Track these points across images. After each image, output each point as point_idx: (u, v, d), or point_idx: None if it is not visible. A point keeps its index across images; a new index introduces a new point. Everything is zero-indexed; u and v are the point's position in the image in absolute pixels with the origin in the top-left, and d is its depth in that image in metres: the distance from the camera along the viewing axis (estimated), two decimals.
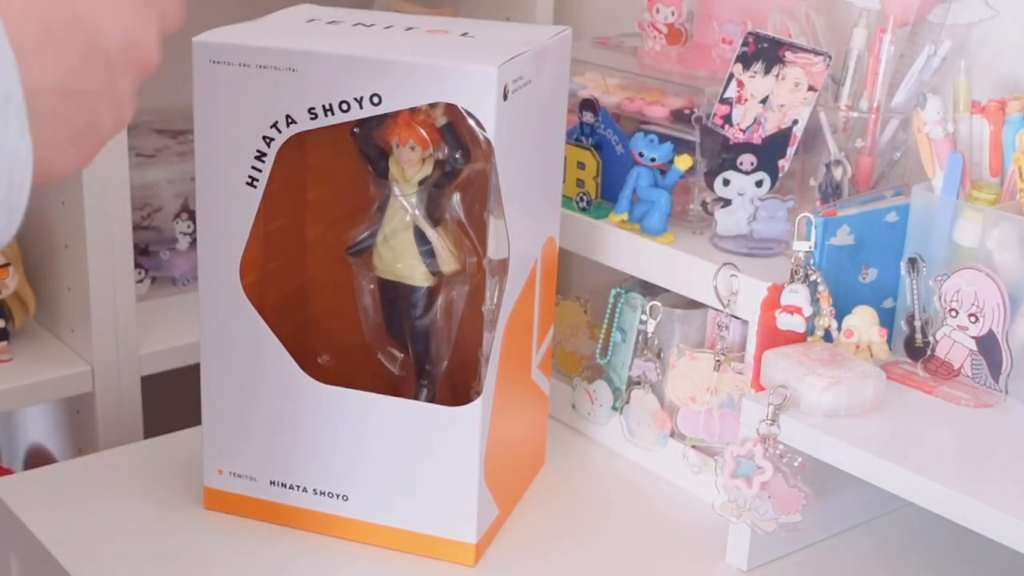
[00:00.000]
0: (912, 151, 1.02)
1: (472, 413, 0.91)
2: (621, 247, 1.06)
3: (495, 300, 0.94)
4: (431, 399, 1.00)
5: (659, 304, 1.05)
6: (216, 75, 0.89)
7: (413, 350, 1.01)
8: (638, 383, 1.08)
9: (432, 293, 0.98)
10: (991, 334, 0.90)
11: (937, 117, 0.95)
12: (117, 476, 1.05)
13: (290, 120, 0.88)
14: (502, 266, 0.93)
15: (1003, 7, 1.02)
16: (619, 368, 1.10)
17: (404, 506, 0.95)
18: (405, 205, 0.95)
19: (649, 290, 1.07)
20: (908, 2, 1.01)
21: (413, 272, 0.97)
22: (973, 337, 0.92)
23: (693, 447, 1.05)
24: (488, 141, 0.87)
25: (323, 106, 0.87)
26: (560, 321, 1.18)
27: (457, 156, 0.93)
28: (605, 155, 1.09)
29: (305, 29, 0.94)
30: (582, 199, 1.10)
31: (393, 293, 0.99)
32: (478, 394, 0.92)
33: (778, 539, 0.94)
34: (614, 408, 1.11)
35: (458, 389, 1.01)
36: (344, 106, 0.87)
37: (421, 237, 0.96)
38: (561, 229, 1.11)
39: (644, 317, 1.06)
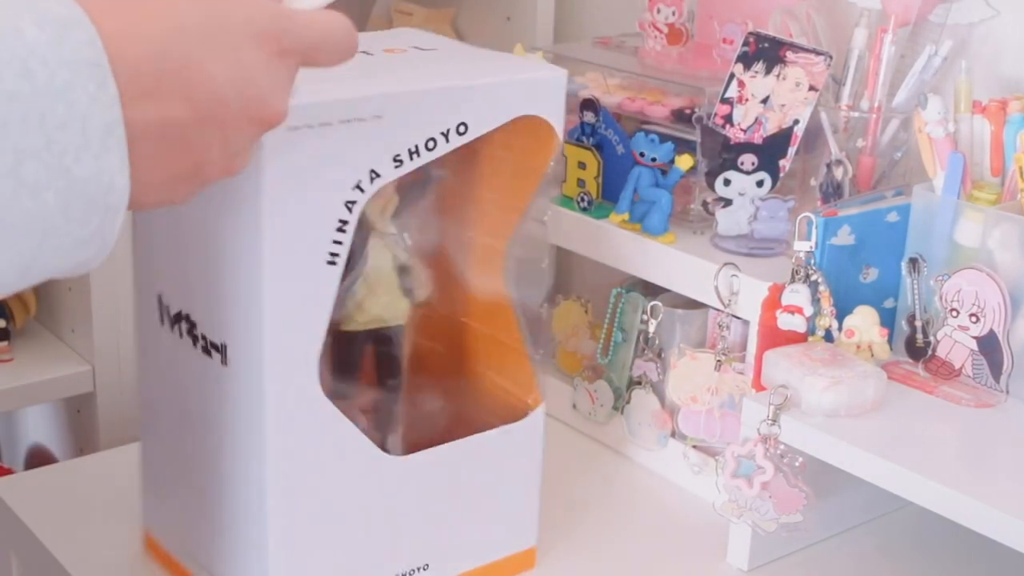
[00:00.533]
0: (913, 151, 1.02)
1: (534, 423, 0.91)
2: (622, 247, 1.06)
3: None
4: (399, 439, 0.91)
5: (660, 304, 1.05)
6: (292, 143, 0.73)
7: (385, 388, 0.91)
8: (639, 383, 1.08)
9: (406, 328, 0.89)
10: (992, 334, 0.90)
11: (938, 117, 0.95)
12: (118, 476, 1.05)
13: (374, 175, 0.77)
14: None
15: (1004, 7, 1.02)
16: (620, 368, 1.10)
17: (470, 539, 0.91)
18: (388, 245, 0.86)
19: (650, 290, 1.07)
20: (909, 2, 1.01)
21: (395, 310, 0.87)
22: (974, 337, 0.91)
23: (694, 447, 1.05)
24: (559, 143, 0.86)
25: (409, 150, 0.78)
26: (561, 321, 1.18)
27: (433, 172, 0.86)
28: (606, 155, 1.09)
29: (352, 67, 0.71)
30: (583, 199, 1.10)
31: (368, 341, 0.88)
32: (527, 404, 0.91)
33: (779, 539, 0.94)
34: (615, 408, 1.11)
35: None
36: (431, 144, 0.79)
37: (401, 269, 0.87)
38: (562, 229, 1.11)
39: (645, 317, 1.06)
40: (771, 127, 1.01)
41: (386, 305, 0.87)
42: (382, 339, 0.88)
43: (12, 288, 0.50)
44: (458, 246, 0.92)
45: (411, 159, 0.78)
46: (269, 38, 0.57)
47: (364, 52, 0.83)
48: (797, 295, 0.94)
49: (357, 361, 0.88)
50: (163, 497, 0.92)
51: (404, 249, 0.87)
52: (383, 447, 0.85)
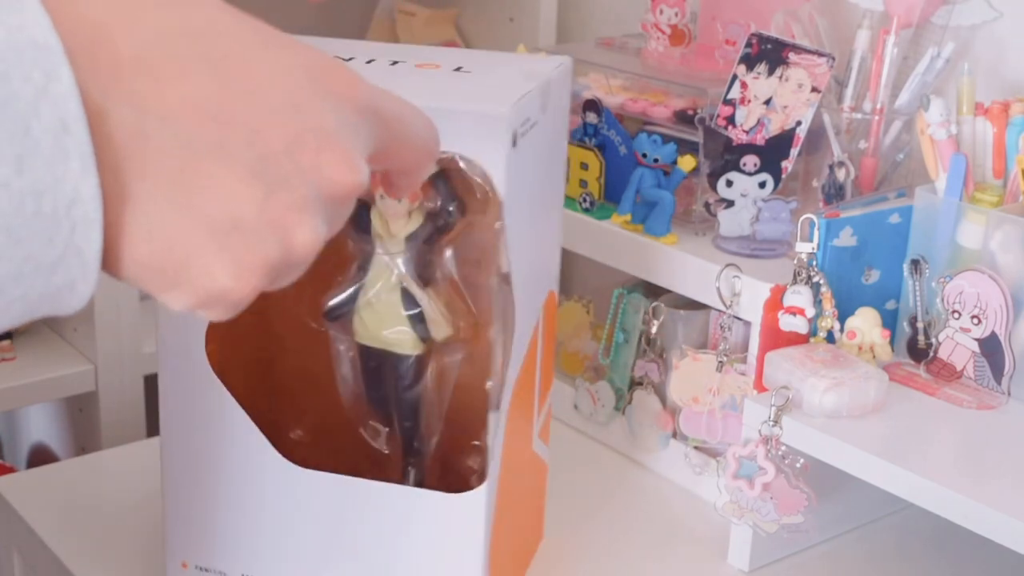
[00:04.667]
0: (915, 153, 1.02)
1: (476, 500, 0.80)
2: (624, 248, 1.06)
3: (500, 374, 0.82)
4: (420, 480, 0.89)
5: (662, 305, 1.05)
6: None
7: (400, 425, 0.89)
8: (640, 384, 1.08)
9: (421, 362, 0.86)
10: (994, 336, 0.90)
11: (940, 119, 0.95)
12: (119, 475, 1.05)
13: None
14: (508, 335, 0.82)
15: (1007, 9, 1.02)
16: (621, 369, 1.10)
17: None
18: (390, 264, 0.83)
19: (652, 291, 1.07)
20: (912, 4, 1.01)
21: (401, 339, 0.84)
22: (976, 339, 0.91)
23: (695, 448, 1.05)
24: (488, 192, 0.76)
25: None
26: (563, 322, 1.18)
27: (450, 209, 0.81)
28: (608, 156, 1.09)
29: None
30: (585, 199, 1.10)
31: (376, 361, 0.86)
32: (476, 475, 0.83)
33: (780, 540, 0.94)
34: (616, 409, 1.11)
35: (449, 467, 0.91)
36: None
37: (409, 299, 0.83)
38: (564, 230, 1.11)
39: (647, 318, 1.06)
40: (773, 128, 1.01)
41: (391, 328, 0.85)
42: (387, 364, 0.86)
43: None
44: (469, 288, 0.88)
45: None
46: (340, 73, 0.46)
47: (368, 61, 0.84)
48: (799, 296, 0.94)
49: (361, 375, 0.88)
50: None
51: (407, 272, 0.84)
52: (403, 476, 0.89)
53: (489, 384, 0.83)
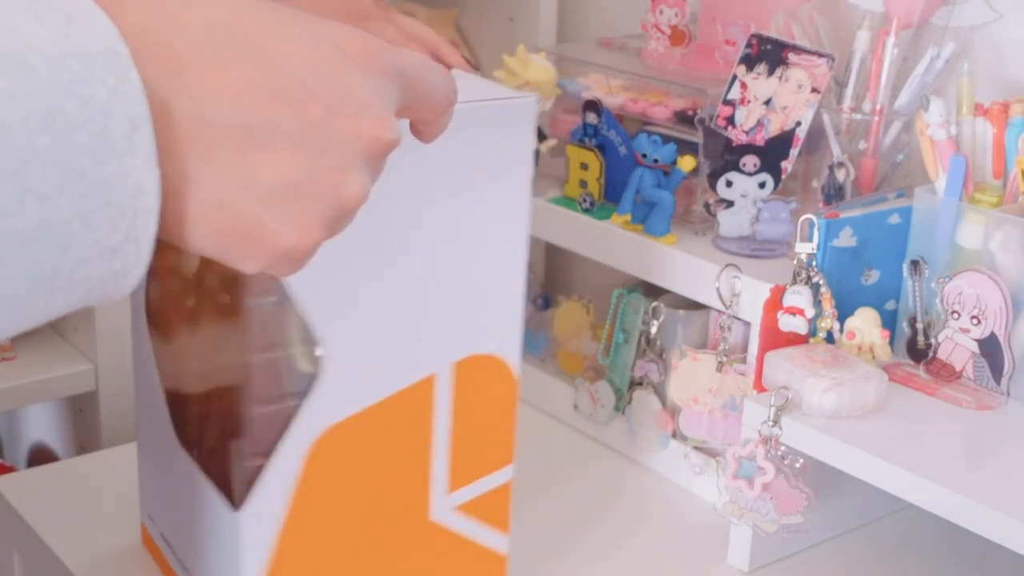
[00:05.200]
0: (915, 153, 1.02)
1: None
2: (624, 248, 1.07)
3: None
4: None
5: (662, 305, 1.05)
6: None
7: None
8: (640, 384, 1.08)
9: None
10: (993, 336, 0.91)
11: (940, 119, 0.95)
12: (119, 474, 1.05)
13: None
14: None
15: (1006, 10, 1.02)
16: (621, 369, 1.10)
17: None
18: None
19: (652, 291, 1.07)
20: (912, 4, 1.01)
21: None
22: (975, 339, 0.92)
23: (695, 448, 1.05)
24: None
25: None
26: (563, 322, 1.19)
27: None
28: (608, 156, 1.10)
29: None
30: (585, 200, 1.10)
31: None
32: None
33: (780, 540, 0.94)
34: (616, 409, 1.11)
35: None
36: None
37: None
38: (564, 230, 1.12)
39: (647, 318, 1.06)
40: (773, 129, 1.01)
41: None
42: None
43: (39, 306, 0.45)
44: None
45: None
46: (360, 42, 0.51)
47: None
48: (799, 296, 0.94)
49: None
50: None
51: None
52: None
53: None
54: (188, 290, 0.86)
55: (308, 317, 0.73)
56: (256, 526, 0.76)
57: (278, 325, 0.75)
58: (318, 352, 0.75)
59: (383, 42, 0.52)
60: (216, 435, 0.85)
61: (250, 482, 0.76)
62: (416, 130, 0.58)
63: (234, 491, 0.79)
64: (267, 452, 0.76)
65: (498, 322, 0.81)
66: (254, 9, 0.49)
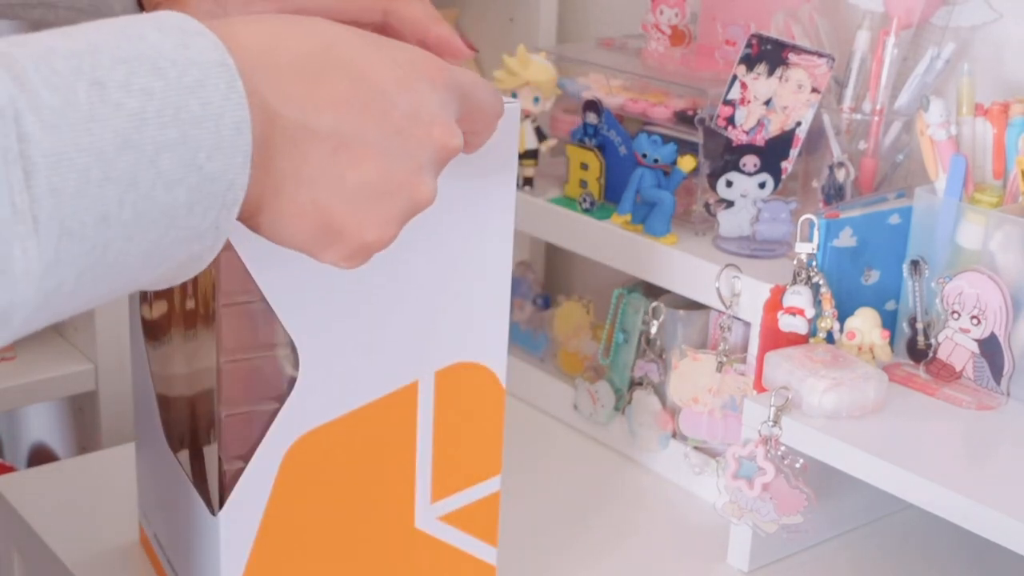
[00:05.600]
0: (915, 153, 1.02)
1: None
2: (624, 248, 1.07)
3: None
4: None
5: (662, 305, 1.05)
6: None
7: None
8: (640, 384, 1.08)
9: None
10: (993, 336, 0.91)
11: (940, 119, 0.95)
12: (119, 474, 1.05)
13: None
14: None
15: (1006, 10, 1.02)
16: (621, 369, 1.10)
17: None
18: None
19: (652, 291, 1.07)
20: (912, 4, 1.01)
21: None
22: (975, 339, 0.92)
23: (695, 448, 1.05)
24: None
25: None
26: (563, 322, 1.19)
27: None
28: (608, 156, 1.10)
29: None
30: (585, 200, 1.10)
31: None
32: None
33: (780, 540, 0.94)
34: (616, 409, 1.11)
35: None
36: None
37: None
38: (564, 230, 1.12)
39: (647, 318, 1.06)
40: (773, 129, 1.01)
41: None
42: None
43: (135, 282, 0.51)
44: None
45: None
46: (429, 62, 0.59)
47: None
48: (799, 297, 0.94)
49: None
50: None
51: None
52: None
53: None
54: (172, 294, 0.86)
55: (285, 321, 0.73)
56: (234, 530, 0.76)
57: (252, 328, 0.75)
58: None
59: (445, 62, 0.60)
60: (200, 439, 0.85)
61: (228, 486, 0.76)
62: (465, 140, 0.63)
63: (211, 494, 0.79)
64: (246, 456, 0.75)
65: (483, 330, 0.80)
66: (346, 35, 0.56)
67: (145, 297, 0.88)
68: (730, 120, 1.01)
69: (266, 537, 0.77)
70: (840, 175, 1.03)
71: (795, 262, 0.95)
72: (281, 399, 0.75)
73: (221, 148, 0.49)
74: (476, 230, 0.77)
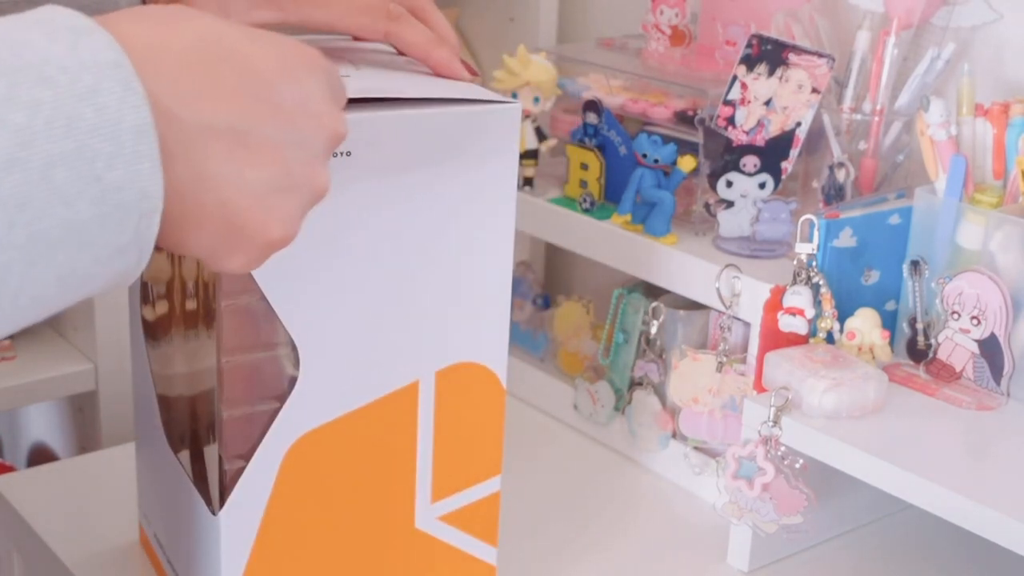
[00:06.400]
0: (915, 153, 1.02)
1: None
2: (624, 248, 1.07)
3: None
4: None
5: (661, 305, 1.05)
6: None
7: None
8: (640, 384, 1.08)
9: None
10: (993, 337, 0.91)
11: (940, 120, 0.95)
12: (119, 474, 1.05)
13: None
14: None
15: (1006, 10, 1.02)
16: (621, 369, 1.10)
17: None
18: None
19: (652, 291, 1.07)
20: (912, 5, 1.01)
21: None
22: (975, 340, 0.92)
23: (695, 448, 1.05)
24: None
25: None
26: (563, 322, 1.19)
27: None
28: (608, 156, 1.10)
29: None
30: (585, 200, 1.10)
31: None
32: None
33: (779, 540, 0.94)
34: (616, 409, 1.11)
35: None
36: None
37: None
38: (564, 230, 1.12)
39: (647, 318, 1.06)
40: (773, 129, 1.01)
41: None
42: None
43: (54, 303, 0.48)
44: None
45: None
46: (302, 49, 0.57)
47: None
48: (799, 297, 0.94)
49: None
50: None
51: None
52: None
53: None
54: (173, 295, 0.86)
55: (286, 321, 0.73)
56: (234, 530, 0.76)
57: (252, 328, 0.75)
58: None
59: (314, 48, 0.58)
60: (200, 438, 0.85)
61: (228, 486, 0.76)
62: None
63: (211, 494, 0.79)
64: (247, 456, 0.75)
65: (483, 330, 0.80)
66: (225, 27, 0.54)
67: (146, 298, 0.88)
68: (730, 120, 1.01)
69: (266, 537, 0.77)
70: (840, 175, 1.03)
71: (795, 262, 0.95)
72: (282, 399, 0.75)
73: (122, 156, 0.46)
74: (476, 230, 0.77)
